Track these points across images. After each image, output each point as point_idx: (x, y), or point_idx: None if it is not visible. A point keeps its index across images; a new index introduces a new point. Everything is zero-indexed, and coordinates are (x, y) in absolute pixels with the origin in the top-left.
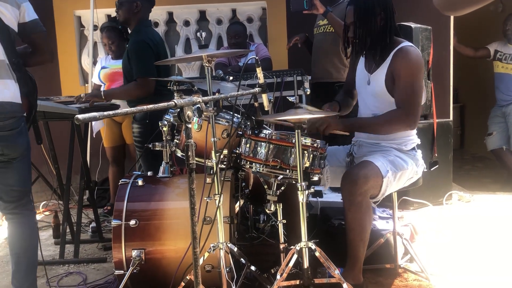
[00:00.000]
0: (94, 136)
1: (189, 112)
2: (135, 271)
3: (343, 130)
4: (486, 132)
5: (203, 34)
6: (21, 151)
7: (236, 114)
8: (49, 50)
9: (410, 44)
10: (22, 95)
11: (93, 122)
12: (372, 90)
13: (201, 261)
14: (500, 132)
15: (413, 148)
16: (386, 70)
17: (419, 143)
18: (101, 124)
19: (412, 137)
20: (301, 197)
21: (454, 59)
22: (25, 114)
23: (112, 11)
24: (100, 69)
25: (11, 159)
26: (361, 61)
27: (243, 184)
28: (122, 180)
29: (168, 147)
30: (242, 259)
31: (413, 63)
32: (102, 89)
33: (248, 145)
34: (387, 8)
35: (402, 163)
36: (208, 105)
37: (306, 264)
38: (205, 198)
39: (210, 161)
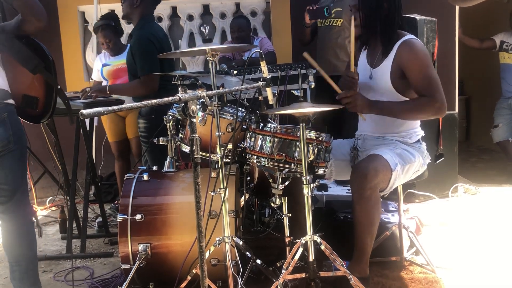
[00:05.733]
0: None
1: (193, 107)
2: (141, 265)
3: (370, 113)
4: (492, 124)
5: (207, 28)
6: (1, 144)
7: (240, 108)
8: (34, 15)
9: (413, 36)
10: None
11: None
12: (375, 85)
13: (207, 255)
14: (506, 124)
15: (418, 141)
16: (391, 64)
17: (423, 135)
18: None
19: (416, 129)
20: (306, 191)
21: (459, 51)
22: (10, 102)
23: (116, 6)
24: (102, 66)
25: None
26: (363, 54)
27: (248, 178)
28: (128, 175)
29: (173, 141)
30: (247, 253)
31: (422, 54)
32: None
33: (253, 139)
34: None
35: (409, 156)
36: (212, 99)
37: (311, 257)
38: (211, 192)
39: (215, 155)
